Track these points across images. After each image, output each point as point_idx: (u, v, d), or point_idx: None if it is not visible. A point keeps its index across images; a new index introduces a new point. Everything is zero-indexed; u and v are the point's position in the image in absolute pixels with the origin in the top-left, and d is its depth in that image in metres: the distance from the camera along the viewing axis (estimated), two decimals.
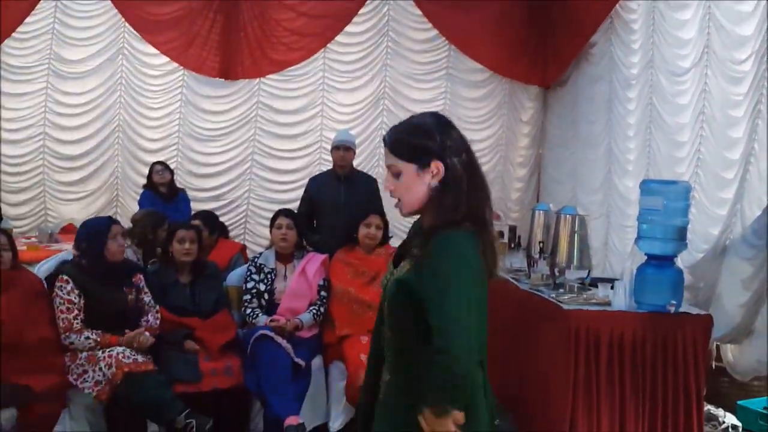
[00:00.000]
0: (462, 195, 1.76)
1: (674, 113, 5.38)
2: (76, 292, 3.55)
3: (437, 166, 1.77)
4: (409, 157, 1.79)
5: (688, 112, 5.22)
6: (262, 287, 4.24)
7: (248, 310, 4.19)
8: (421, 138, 1.79)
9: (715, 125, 4.95)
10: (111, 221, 3.77)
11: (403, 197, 1.82)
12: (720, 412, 4.45)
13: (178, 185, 6.65)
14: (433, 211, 1.79)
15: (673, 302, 3.50)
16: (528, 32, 7.27)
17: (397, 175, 1.81)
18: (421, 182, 1.79)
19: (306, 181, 5.51)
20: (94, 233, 3.69)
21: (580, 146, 6.94)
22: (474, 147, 6.29)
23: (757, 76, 4.54)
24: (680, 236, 3.56)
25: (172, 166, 6.74)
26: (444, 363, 1.63)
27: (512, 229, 6.27)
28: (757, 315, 4.31)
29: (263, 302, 4.22)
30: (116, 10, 7.10)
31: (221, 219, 6.01)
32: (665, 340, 3.51)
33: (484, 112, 7.63)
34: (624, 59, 6.00)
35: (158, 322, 3.80)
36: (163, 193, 6.25)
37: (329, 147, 5.58)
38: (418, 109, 7.47)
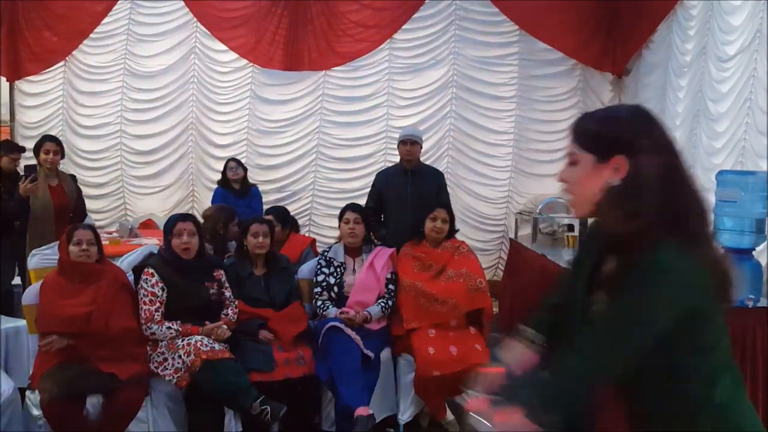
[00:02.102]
0: (649, 202, 1.46)
1: (717, 101, 5.25)
2: (160, 285, 3.69)
3: (619, 162, 1.49)
4: (588, 145, 1.53)
5: (731, 99, 5.10)
6: (332, 280, 4.31)
7: (319, 302, 4.27)
8: (608, 127, 1.52)
9: (759, 113, 4.81)
10: (179, 218, 3.88)
11: (574, 192, 1.57)
12: None
13: (250, 180, 6.81)
14: (613, 216, 1.52)
15: (752, 296, 3.40)
16: (598, 18, 7.15)
17: (572, 164, 1.57)
18: (597, 177, 1.51)
19: (372, 170, 5.56)
20: (164, 229, 3.88)
21: None
22: (548, 128, 6.23)
23: None
24: (758, 228, 3.45)
25: (241, 161, 6.92)
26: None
27: (582, 222, 6.18)
28: None
29: (333, 295, 4.29)
30: (188, 9, 7.32)
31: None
32: (744, 335, 3.41)
33: (559, 92, 7.51)
34: (680, 46, 5.87)
35: (236, 316, 3.92)
36: (235, 189, 6.40)
37: (395, 136, 5.61)
38: (489, 93, 7.62)
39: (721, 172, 3.73)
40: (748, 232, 3.43)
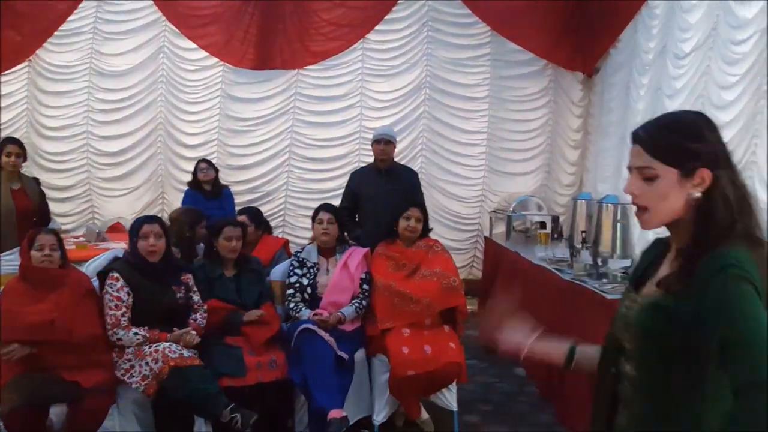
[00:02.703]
0: (733, 211, 1.45)
1: (672, 96, 5.35)
2: (126, 289, 3.61)
3: (703, 176, 1.45)
4: (673, 159, 1.47)
5: (684, 95, 5.21)
6: (305, 281, 4.26)
7: (292, 304, 4.21)
8: (690, 139, 1.48)
9: (711, 108, 4.91)
10: (144, 220, 3.80)
11: (653, 207, 1.51)
12: None
13: (221, 181, 6.72)
14: (694, 227, 1.47)
15: None
16: (568, 19, 7.18)
17: (650, 179, 1.50)
18: (682, 192, 1.47)
19: (345, 170, 5.54)
20: (130, 231, 3.80)
21: (599, 135, 6.92)
22: (520, 128, 6.34)
23: (759, 58, 4.49)
24: None
25: (212, 161, 6.83)
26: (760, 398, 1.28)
27: (555, 219, 6.23)
28: None
29: (306, 296, 4.24)
30: (156, 8, 7.20)
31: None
32: None
33: (530, 92, 7.55)
34: (644, 45, 5.98)
35: (205, 321, 3.85)
36: (206, 190, 6.31)
37: (368, 136, 5.60)
38: (462, 94, 7.62)
39: None
40: None
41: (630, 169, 1.56)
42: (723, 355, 1.34)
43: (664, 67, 5.56)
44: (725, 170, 1.47)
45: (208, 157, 6.89)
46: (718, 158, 1.47)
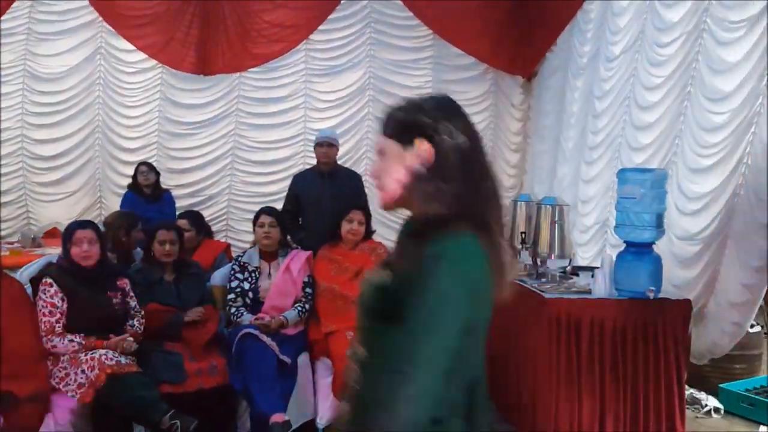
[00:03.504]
0: (450, 185, 1.45)
1: (602, 99, 5.56)
2: (60, 295, 3.54)
3: (422, 146, 1.47)
4: (392, 131, 1.52)
5: (612, 96, 5.42)
6: (247, 286, 4.24)
7: (233, 309, 4.19)
8: (410, 112, 1.52)
9: (636, 109, 5.14)
10: (77, 226, 3.74)
11: (382, 181, 1.53)
12: (702, 395, 4.52)
13: (162, 185, 6.62)
14: (416, 202, 1.49)
15: (652, 288, 3.56)
16: (508, 23, 7.28)
17: (380, 153, 1.55)
18: (402, 163, 1.49)
19: (289, 173, 5.52)
20: (63, 237, 3.74)
21: (537, 138, 7.11)
22: None
23: (684, 61, 4.66)
24: (658, 223, 3.61)
25: (153, 165, 6.72)
26: (397, 396, 1.30)
27: None
28: (710, 297, 4.39)
29: (248, 301, 4.22)
30: (92, 8, 7.04)
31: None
32: (645, 325, 3.57)
33: (471, 96, 7.61)
34: (579, 49, 6.13)
35: (143, 327, 3.79)
36: (146, 194, 6.22)
37: (313, 138, 5.60)
38: (405, 96, 7.57)
39: (621, 170, 3.88)
40: (648, 227, 3.57)
41: None
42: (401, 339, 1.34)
43: (596, 70, 5.73)
44: (450, 142, 1.47)
45: (148, 160, 6.78)
46: (439, 130, 1.47)
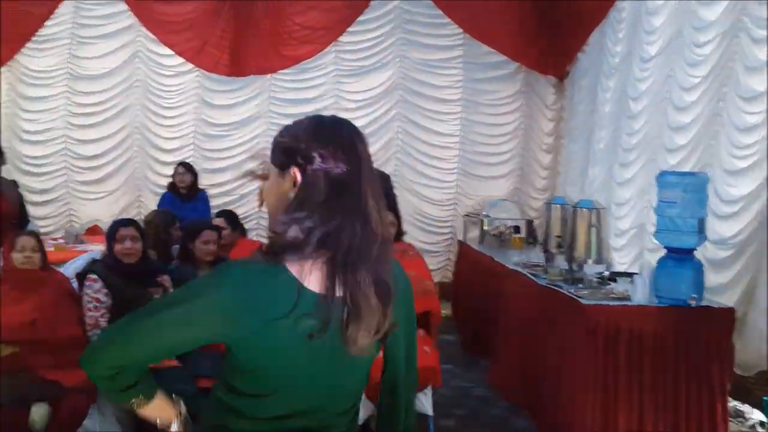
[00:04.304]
0: (306, 213, 1.38)
1: (637, 100, 5.50)
2: (104, 291, 3.61)
3: (294, 173, 1.42)
4: (273, 157, 1.49)
5: (648, 98, 5.38)
6: None
7: None
8: (286, 138, 1.47)
9: (672, 111, 5.09)
10: (121, 224, 3.81)
11: (267, 203, 1.52)
12: (746, 408, 4.39)
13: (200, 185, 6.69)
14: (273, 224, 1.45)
15: (694, 296, 3.49)
16: (540, 22, 7.27)
17: (264, 177, 1.55)
18: (280, 189, 1.45)
19: None
20: (107, 235, 3.81)
21: (569, 139, 7.06)
22: (493, 131, 6.43)
23: (720, 60, 4.62)
24: (699, 229, 3.54)
25: (192, 166, 6.81)
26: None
27: (529, 224, 6.31)
28: (749, 306, 4.32)
29: None
30: (131, 13, 7.19)
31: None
32: (687, 334, 3.50)
33: (502, 95, 7.63)
34: (611, 49, 6.08)
35: None
36: (182, 194, 6.32)
37: None
38: (435, 96, 7.67)
39: (662, 174, 3.82)
40: (689, 232, 3.51)
41: None
42: None
43: (630, 71, 5.68)
44: (320, 170, 1.41)
45: (186, 161, 6.89)
46: (310, 159, 1.41)
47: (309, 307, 1.34)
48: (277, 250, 1.37)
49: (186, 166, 6.49)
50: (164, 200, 6.35)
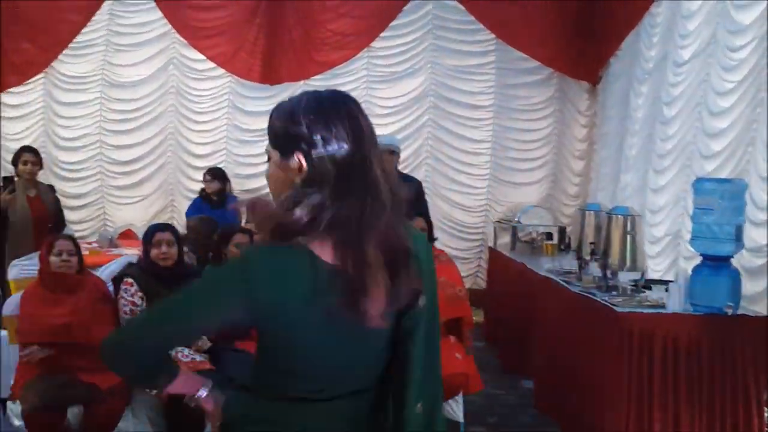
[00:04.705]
0: (316, 196, 1.38)
1: (671, 105, 5.44)
2: (140, 294, 3.66)
3: (299, 159, 1.41)
4: (274, 141, 1.47)
5: (681, 102, 5.31)
6: None
7: None
8: (287, 122, 1.44)
9: (708, 116, 5.02)
10: (157, 228, 3.86)
11: (270, 188, 1.52)
12: None
13: (232, 191, 6.69)
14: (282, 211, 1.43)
15: (731, 304, 3.44)
16: (573, 27, 7.23)
17: (268, 159, 1.56)
18: (285, 175, 1.44)
19: None
20: (143, 239, 3.87)
21: (600, 145, 7.00)
22: (525, 137, 6.40)
23: (757, 65, 4.54)
24: (737, 236, 3.49)
25: (220, 172, 6.84)
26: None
27: (561, 230, 6.25)
28: None
29: None
30: (166, 21, 7.30)
31: None
32: (723, 342, 3.45)
33: (536, 101, 7.59)
34: (645, 53, 6.02)
35: None
36: (212, 200, 6.28)
37: None
38: (467, 102, 7.66)
39: (698, 180, 3.78)
40: (726, 239, 3.47)
41: None
42: None
43: (664, 75, 5.62)
44: (326, 154, 1.39)
45: (216, 167, 6.92)
46: (314, 143, 1.40)
47: (325, 283, 1.36)
48: (289, 232, 1.37)
49: (213, 173, 6.39)
50: (193, 206, 6.35)
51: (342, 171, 1.39)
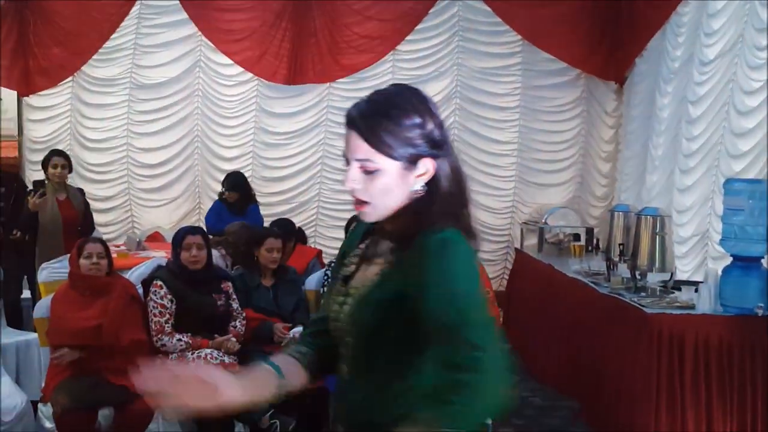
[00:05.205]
0: (448, 200, 1.38)
1: (696, 104, 5.37)
2: (169, 297, 3.71)
3: (426, 165, 1.37)
4: (394, 151, 1.36)
5: (708, 102, 5.26)
6: None
7: None
8: (410, 125, 1.36)
9: (735, 115, 4.96)
10: (188, 231, 3.91)
11: (376, 201, 1.39)
12: None
13: (257, 195, 6.63)
14: (407, 218, 1.39)
15: (761, 305, 3.41)
16: (600, 27, 7.16)
17: (371, 172, 1.37)
18: (404, 184, 1.37)
19: None
20: (173, 242, 3.91)
21: (625, 145, 6.99)
22: (552, 138, 6.39)
23: None
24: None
25: (247, 174, 6.88)
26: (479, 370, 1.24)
27: (589, 231, 6.20)
28: None
29: None
30: (192, 23, 7.36)
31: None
32: (753, 344, 3.44)
33: (563, 102, 7.53)
34: (671, 53, 5.95)
35: (244, 328, 3.93)
36: (231, 206, 6.12)
37: None
38: (493, 104, 7.62)
39: (728, 181, 3.76)
40: (756, 240, 3.44)
41: (347, 159, 1.42)
42: (438, 320, 1.28)
43: (690, 74, 5.56)
44: (445, 155, 1.39)
45: (243, 169, 6.97)
46: (437, 143, 1.38)
47: None
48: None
49: (231, 184, 6.19)
50: (213, 210, 6.26)
51: (454, 168, 1.41)
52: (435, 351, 1.30)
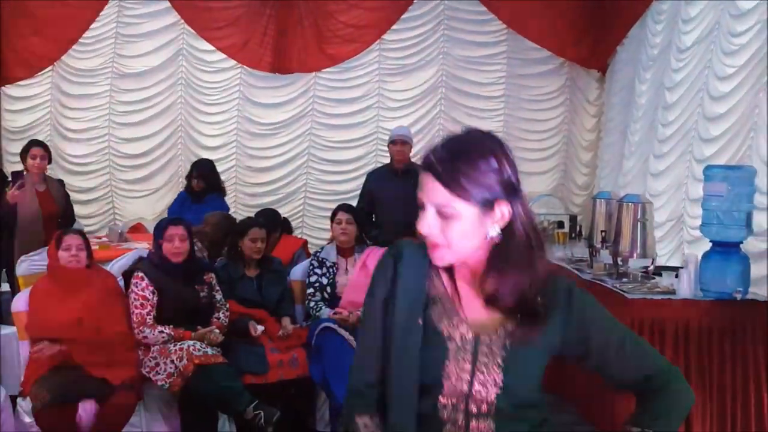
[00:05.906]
0: (525, 244, 1.40)
1: (673, 90, 5.41)
2: (151, 288, 3.68)
3: (503, 210, 1.38)
4: (472, 196, 1.35)
5: (684, 87, 5.30)
6: (325, 281, 4.31)
7: (312, 303, 4.27)
8: (488, 171, 1.36)
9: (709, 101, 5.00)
10: (170, 222, 3.88)
11: (453, 245, 1.39)
12: None
13: (237, 181, 6.59)
14: (491, 261, 1.41)
15: (739, 289, 3.44)
16: (584, 16, 7.17)
17: (448, 217, 1.37)
18: (481, 229, 1.38)
19: (363, 172, 5.56)
20: (155, 233, 3.88)
21: (604, 132, 7.06)
22: (536, 127, 6.42)
23: (759, 50, 4.50)
24: (747, 222, 3.49)
25: (231, 163, 6.87)
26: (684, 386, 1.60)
27: (572, 219, 6.23)
28: None
29: (326, 295, 4.29)
30: (175, 11, 7.28)
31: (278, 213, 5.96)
32: (733, 327, 3.46)
33: (547, 90, 7.55)
34: (651, 40, 5.98)
35: (228, 320, 3.91)
36: (194, 195, 5.83)
37: (386, 138, 5.63)
38: (478, 93, 7.62)
39: (708, 167, 3.77)
40: (735, 225, 3.46)
41: (421, 203, 1.41)
42: (610, 357, 1.52)
43: (667, 61, 5.59)
44: (519, 199, 1.40)
45: (227, 159, 6.93)
46: (513, 187, 1.40)
47: None
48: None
49: (200, 172, 5.88)
50: (177, 200, 6.06)
51: (530, 218, 1.43)
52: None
